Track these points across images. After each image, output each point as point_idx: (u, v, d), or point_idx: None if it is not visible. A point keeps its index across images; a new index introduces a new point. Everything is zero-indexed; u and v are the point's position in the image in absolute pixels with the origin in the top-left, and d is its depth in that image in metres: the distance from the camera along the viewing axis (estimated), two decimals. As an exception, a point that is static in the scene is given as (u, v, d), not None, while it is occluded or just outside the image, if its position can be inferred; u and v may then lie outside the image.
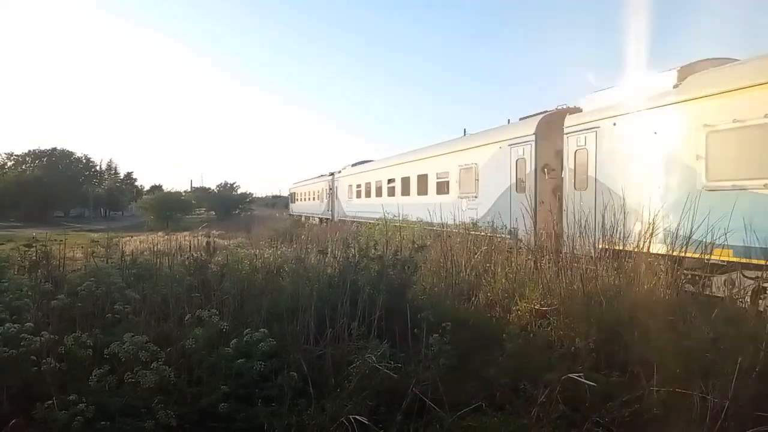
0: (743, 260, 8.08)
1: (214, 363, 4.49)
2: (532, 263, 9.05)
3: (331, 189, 38.73)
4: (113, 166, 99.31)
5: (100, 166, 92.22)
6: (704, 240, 7.41)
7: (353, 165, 35.53)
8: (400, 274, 6.91)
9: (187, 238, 14.02)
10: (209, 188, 69.92)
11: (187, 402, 4.05)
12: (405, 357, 5.05)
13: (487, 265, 9.54)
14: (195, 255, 8.43)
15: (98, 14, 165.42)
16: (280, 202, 74.83)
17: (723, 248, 7.61)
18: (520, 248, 10.34)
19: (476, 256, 10.21)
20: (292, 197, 54.82)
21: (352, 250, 7.43)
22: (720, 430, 3.70)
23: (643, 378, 4.73)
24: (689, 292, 7.37)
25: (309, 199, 46.48)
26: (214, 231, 23.34)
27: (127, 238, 19.53)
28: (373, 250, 7.51)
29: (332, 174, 39.18)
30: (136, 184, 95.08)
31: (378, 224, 16.04)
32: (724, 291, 7.19)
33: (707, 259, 7.38)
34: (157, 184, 79.88)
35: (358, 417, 3.75)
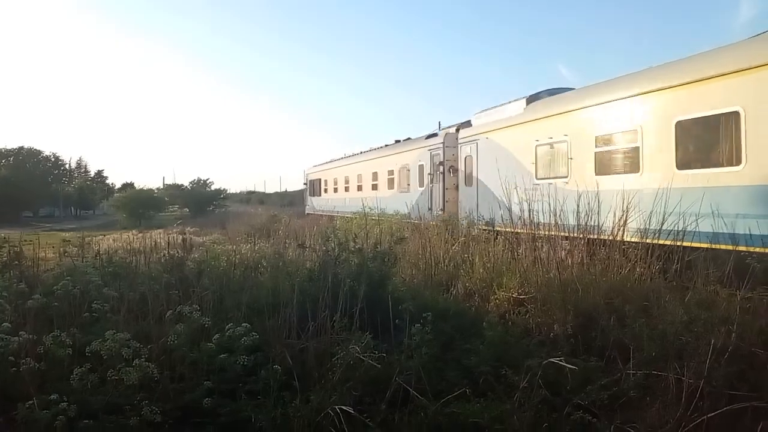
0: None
1: (196, 359, 4.47)
2: (509, 253, 9.19)
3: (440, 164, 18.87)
4: (83, 164, 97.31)
5: (70, 164, 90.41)
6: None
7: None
8: (380, 266, 6.95)
9: (161, 235, 13.85)
10: (182, 185, 68.99)
11: (171, 398, 4.04)
12: (387, 348, 5.09)
13: (465, 255, 9.65)
14: (172, 252, 8.36)
15: (62, 9, 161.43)
16: (254, 198, 74.17)
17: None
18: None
19: (454, 247, 10.32)
20: (315, 187, 35.42)
21: (332, 243, 7.44)
22: (695, 410, 3.80)
23: (620, 362, 4.85)
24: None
25: (370, 186, 25.28)
26: (189, 228, 23.09)
27: (100, 237, 19.21)
28: (352, 243, 7.53)
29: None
30: (107, 182, 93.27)
31: (355, 218, 16.14)
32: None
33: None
34: (129, 182, 78.38)
35: (343, 407, 3.78)
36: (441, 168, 18.60)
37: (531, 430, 3.86)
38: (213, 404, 4.02)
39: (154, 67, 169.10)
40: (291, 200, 67.68)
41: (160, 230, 19.92)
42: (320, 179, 33.89)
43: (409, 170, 21.45)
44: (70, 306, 5.53)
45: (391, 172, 23.21)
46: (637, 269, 6.89)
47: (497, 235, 10.80)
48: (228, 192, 63.73)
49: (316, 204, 34.39)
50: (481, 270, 8.66)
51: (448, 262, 9.57)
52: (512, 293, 7.40)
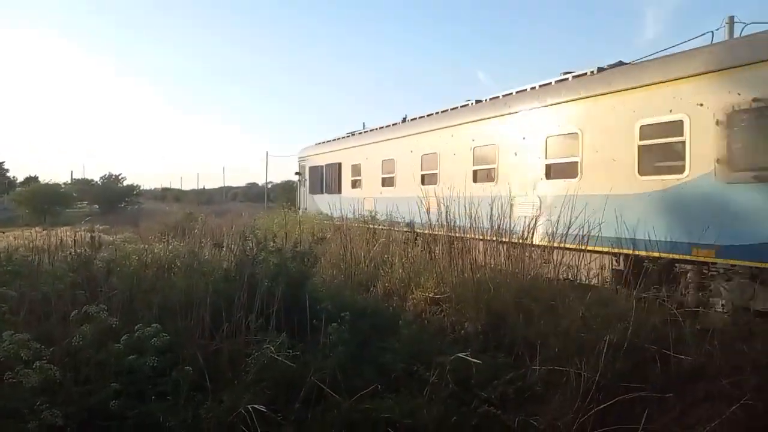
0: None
1: (103, 360, 4.30)
2: (428, 253, 9.42)
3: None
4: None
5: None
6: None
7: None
8: (299, 266, 6.93)
9: (68, 233, 13.10)
10: (92, 180, 65.40)
11: (74, 401, 3.86)
12: (304, 347, 5.10)
13: (386, 256, 9.80)
14: (78, 251, 7.94)
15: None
16: (170, 195, 71.45)
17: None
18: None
19: (375, 248, 10.45)
20: (325, 178, 21.46)
21: (250, 243, 7.34)
22: (591, 402, 4.08)
23: (527, 358, 5.11)
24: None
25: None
26: (98, 225, 21.92)
27: (-2, 234, 17.88)
28: (271, 243, 7.47)
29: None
30: (8, 175, 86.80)
31: (277, 217, 15.99)
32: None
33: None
34: (33, 176, 73.38)
35: (256, 407, 3.76)
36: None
37: (440, 424, 4.00)
38: (120, 406, 3.89)
39: (65, 62, 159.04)
40: (209, 198, 65.84)
41: (67, 227, 18.81)
42: (338, 164, 19.76)
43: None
44: (-37, 308, 5.15)
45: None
46: (545, 270, 7.26)
47: (417, 236, 11.05)
48: (141, 188, 60.84)
49: (325, 205, 19.71)
50: (400, 270, 8.83)
51: (369, 262, 9.70)
52: (429, 293, 7.61)
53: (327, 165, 20.97)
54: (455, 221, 9.49)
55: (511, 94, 11.98)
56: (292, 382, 4.47)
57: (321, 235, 10.00)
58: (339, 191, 19.40)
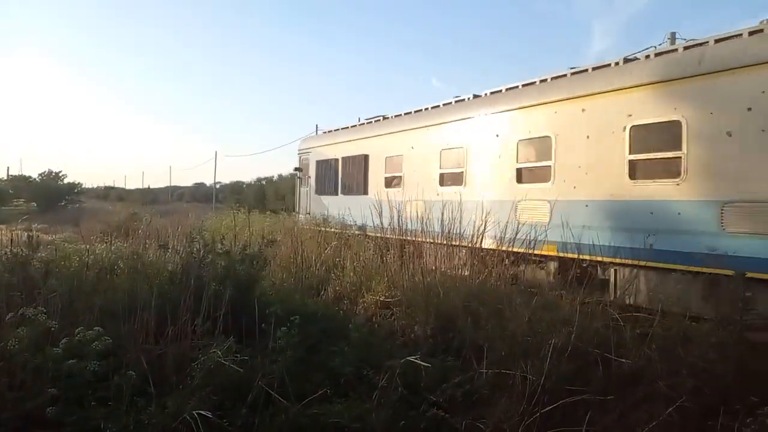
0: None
1: (40, 365, 4.11)
2: (379, 257, 9.45)
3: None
4: None
5: None
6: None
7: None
8: (248, 269, 6.82)
9: (3, 232, 12.49)
10: (30, 177, 62.59)
11: (8, 407, 3.69)
12: (252, 352, 5.02)
13: (337, 259, 9.78)
14: (15, 250, 7.58)
15: None
16: (113, 194, 69.13)
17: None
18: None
19: (326, 251, 10.41)
20: (341, 175, 16.74)
21: (197, 245, 7.18)
22: (536, 404, 4.17)
23: (475, 361, 5.18)
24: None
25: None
26: (36, 224, 20.99)
27: (-75, 232, 16.87)
28: (219, 245, 7.33)
29: None
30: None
31: (225, 219, 15.70)
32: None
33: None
34: (-35, 171, 69.67)
35: (201, 412, 3.68)
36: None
37: (388, 428, 4.01)
38: (58, 413, 3.73)
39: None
40: (154, 197, 64.05)
41: (3, 226, 17.93)
42: (362, 157, 15.30)
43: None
44: None
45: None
46: (493, 274, 7.40)
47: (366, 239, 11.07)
48: (83, 186, 58.52)
49: (339, 208, 15.51)
50: (351, 274, 8.82)
51: (320, 266, 9.65)
52: (380, 296, 7.64)
53: (345, 158, 16.20)
54: (407, 225, 9.59)
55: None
56: (239, 387, 4.40)
57: (271, 238, 9.88)
58: (364, 191, 14.80)
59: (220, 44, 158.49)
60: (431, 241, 9.01)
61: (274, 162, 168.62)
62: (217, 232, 10.33)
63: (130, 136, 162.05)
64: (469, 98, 12.40)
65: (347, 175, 16.09)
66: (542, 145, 9.84)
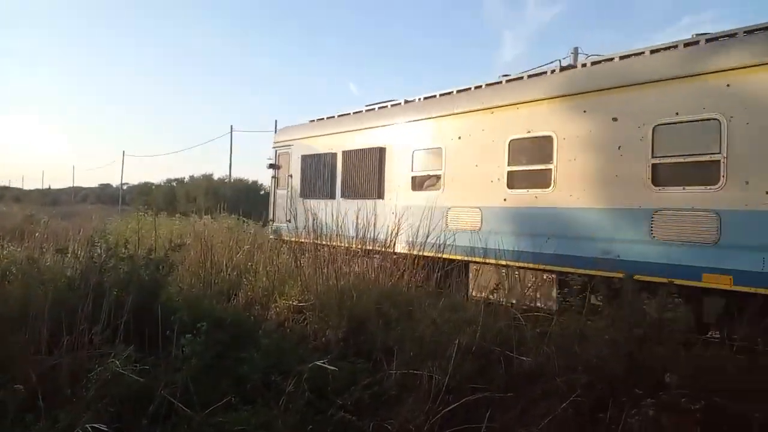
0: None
1: None
2: (294, 262, 9.36)
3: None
4: None
5: None
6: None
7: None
8: (153, 274, 6.57)
9: None
10: None
11: None
12: (155, 360, 4.84)
13: (250, 264, 9.59)
14: None
15: None
16: (9, 195, 64.20)
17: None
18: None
19: (239, 255, 10.19)
20: (346, 171, 12.84)
21: (99, 249, 6.83)
22: (441, 403, 4.29)
23: (385, 363, 5.26)
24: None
25: None
26: None
27: None
28: (122, 250, 7.01)
29: None
30: None
31: (130, 222, 14.99)
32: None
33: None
34: None
35: (96, 425, 3.51)
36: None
37: (295, 433, 3.99)
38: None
39: None
40: (55, 198, 60.20)
41: None
42: (377, 150, 11.88)
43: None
44: None
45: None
46: (405, 277, 7.53)
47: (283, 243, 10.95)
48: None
49: (336, 216, 10.26)
50: (264, 279, 8.68)
51: (232, 270, 9.43)
52: (292, 301, 7.57)
53: (348, 153, 12.68)
54: (322, 229, 9.58)
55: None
56: (140, 398, 4.23)
57: (180, 242, 9.56)
58: (378, 195, 11.65)
59: (127, 48, 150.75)
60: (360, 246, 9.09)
61: (187, 163, 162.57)
62: (121, 236, 9.86)
63: (26, 136, 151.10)
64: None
65: (351, 174, 12.51)
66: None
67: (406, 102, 12.05)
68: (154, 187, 49.60)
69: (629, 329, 5.60)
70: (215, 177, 43.57)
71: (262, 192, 36.63)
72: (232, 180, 42.48)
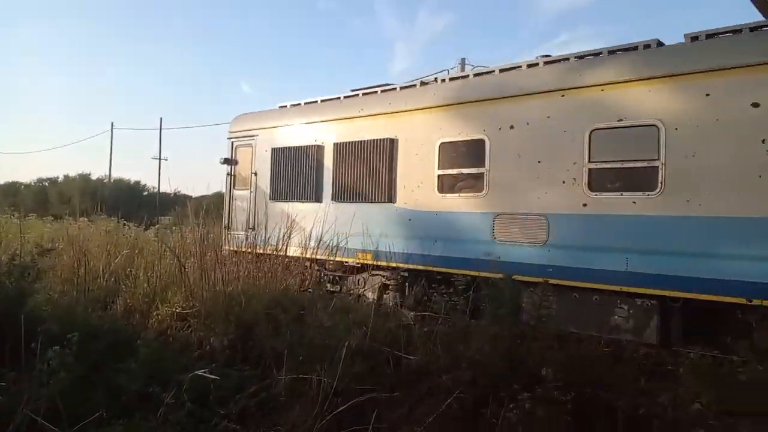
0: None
1: None
2: (177, 266, 8.94)
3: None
4: None
5: None
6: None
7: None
8: (18, 281, 6.00)
9: None
10: None
11: None
12: (17, 376, 4.42)
13: (129, 269, 9.03)
14: None
15: None
16: None
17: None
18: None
19: (117, 260, 9.56)
20: (338, 168, 10.59)
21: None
22: (329, 406, 4.27)
23: (274, 368, 5.16)
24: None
25: None
26: None
27: None
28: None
29: None
30: None
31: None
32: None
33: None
34: None
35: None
36: None
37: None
38: None
39: None
40: None
41: None
42: (387, 143, 9.69)
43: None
44: None
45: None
46: (296, 280, 7.45)
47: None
48: None
49: (321, 224, 10.13)
50: (145, 285, 8.21)
51: (109, 276, 8.84)
52: (176, 308, 7.23)
53: (341, 145, 10.48)
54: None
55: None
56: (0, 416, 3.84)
57: (50, 246, 8.81)
58: (387, 198, 9.58)
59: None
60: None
61: (69, 162, 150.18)
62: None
63: None
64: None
65: (347, 172, 10.33)
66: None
67: (423, 84, 10.09)
68: (23, 187, 45.62)
69: (509, 327, 5.91)
70: (93, 177, 40.79)
71: (146, 193, 34.73)
72: (111, 180, 39.94)
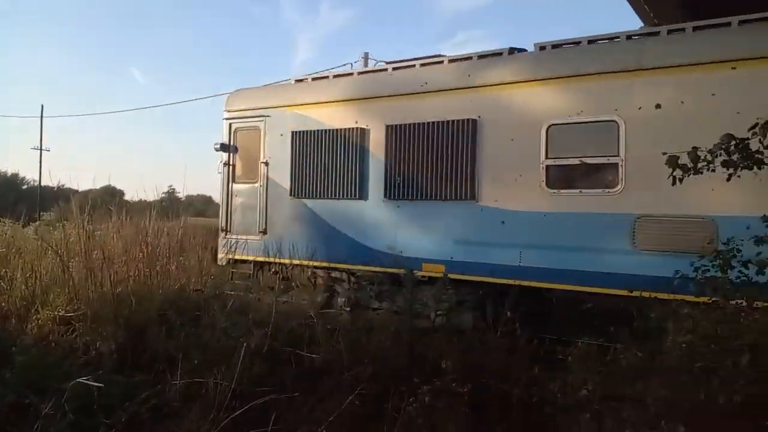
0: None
1: None
2: (61, 267, 8.29)
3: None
4: None
5: None
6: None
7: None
8: None
9: None
10: None
11: None
12: None
13: (4, 270, 8.26)
14: None
15: None
16: None
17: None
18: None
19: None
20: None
21: None
22: (227, 410, 4.13)
23: (168, 373, 4.91)
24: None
25: None
26: None
27: None
28: None
29: None
30: None
31: None
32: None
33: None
34: None
35: None
36: None
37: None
38: None
39: None
40: None
41: None
42: (469, 124, 7.58)
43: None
44: None
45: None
46: (193, 280, 7.15)
47: None
48: None
49: (366, 230, 8.53)
50: (23, 287, 7.55)
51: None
52: (59, 311, 6.71)
53: (394, 128, 8.30)
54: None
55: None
56: None
57: None
58: (468, 195, 7.61)
59: None
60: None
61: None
62: None
63: None
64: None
65: (401, 162, 8.22)
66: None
67: (515, 51, 7.91)
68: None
69: (409, 320, 6.01)
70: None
71: (25, 186, 32.01)
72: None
